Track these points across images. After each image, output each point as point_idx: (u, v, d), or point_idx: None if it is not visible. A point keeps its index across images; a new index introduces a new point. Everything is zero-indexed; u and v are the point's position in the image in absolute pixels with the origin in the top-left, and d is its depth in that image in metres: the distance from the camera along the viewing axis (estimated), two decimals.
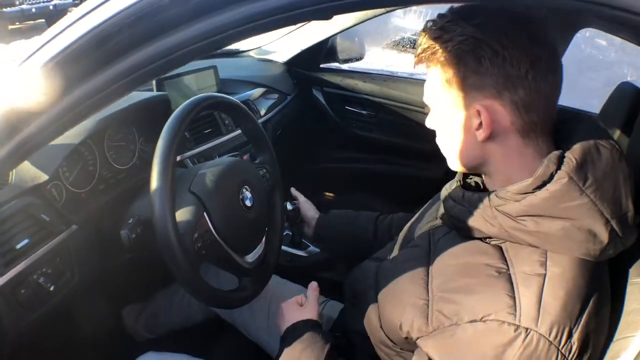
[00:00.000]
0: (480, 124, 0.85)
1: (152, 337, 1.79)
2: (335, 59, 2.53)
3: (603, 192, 0.79)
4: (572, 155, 0.81)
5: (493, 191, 0.87)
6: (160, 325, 1.75)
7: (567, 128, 0.90)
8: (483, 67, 0.82)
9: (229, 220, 1.22)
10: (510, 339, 0.77)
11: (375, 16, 2.21)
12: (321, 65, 2.59)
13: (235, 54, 2.59)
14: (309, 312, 1.26)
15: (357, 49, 2.55)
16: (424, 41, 0.88)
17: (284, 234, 1.86)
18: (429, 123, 0.98)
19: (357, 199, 2.56)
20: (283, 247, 1.82)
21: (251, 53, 2.60)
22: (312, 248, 1.86)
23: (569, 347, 0.77)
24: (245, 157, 1.87)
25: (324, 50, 2.52)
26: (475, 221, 0.88)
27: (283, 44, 2.55)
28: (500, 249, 0.86)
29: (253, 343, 1.53)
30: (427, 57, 0.89)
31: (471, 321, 0.81)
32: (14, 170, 1.21)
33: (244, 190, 1.28)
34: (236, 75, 2.31)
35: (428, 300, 0.89)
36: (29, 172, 1.21)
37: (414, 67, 0.93)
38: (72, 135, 1.27)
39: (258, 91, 2.26)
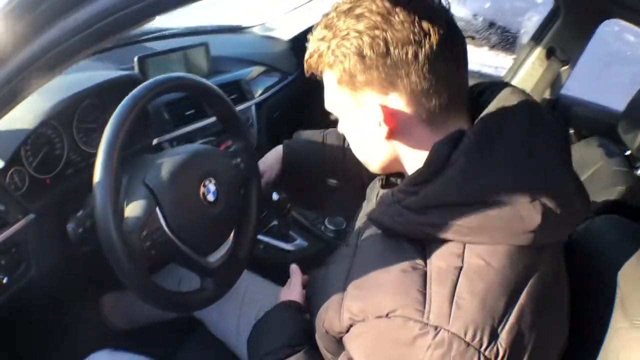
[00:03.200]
0: (381, 120, 0.79)
1: (128, 329, 1.71)
2: None
3: (521, 166, 0.72)
4: (471, 132, 0.74)
5: (398, 186, 0.81)
6: (136, 317, 1.67)
7: (482, 102, 0.82)
8: (367, 59, 0.76)
9: (185, 217, 1.12)
10: (415, 338, 0.69)
11: None
12: None
13: (237, 30, 2.48)
14: (292, 294, 1.20)
15: None
16: (310, 45, 0.83)
17: (271, 224, 1.77)
18: (339, 129, 0.92)
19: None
20: (268, 240, 1.73)
21: (254, 29, 2.48)
22: (299, 241, 1.74)
23: (495, 349, 0.67)
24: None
25: None
26: (386, 221, 0.81)
27: (289, 20, 2.42)
28: (422, 245, 0.78)
29: (223, 344, 1.44)
30: (315, 62, 0.83)
31: (377, 317, 0.74)
32: None
33: (207, 183, 1.17)
34: (233, 53, 2.20)
35: (342, 300, 0.82)
36: None
37: (306, 74, 0.88)
38: (32, 118, 1.18)
39: (256, 70, 2.14)
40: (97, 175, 0.99)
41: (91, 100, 1.37)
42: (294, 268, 1.29)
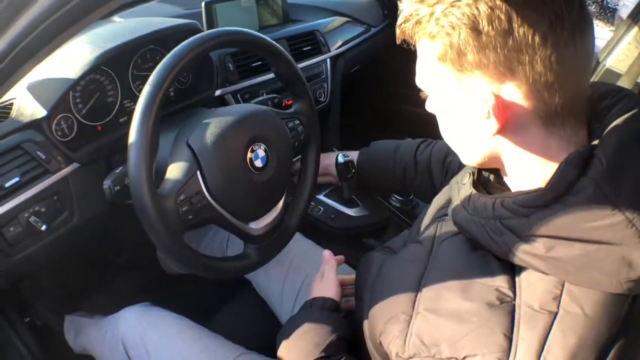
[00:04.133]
0: (490, 112, 0.64)
1: (180, 272, 1.70)
2: None
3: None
4: (603, 153, 0.61)
5: (499, 197, 0.68)
6: None
7: (603, 108, 0.68)
8: (484, 36, 0.60)
9: (228, 183, 1.05)
10: None
11: None
12: None
13: None
14: (328, 289, 1.10)
15: None
16: (406, 7, 0.66)
17: (333, 186, 1.68)
18: (428, 107, 0.77)
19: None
20: (329, 202, 1.64)
21: None
22: (362, 207, 1.64)
23: None
24: None
25: None
26: (478, 234, 0.71)
27: None
28: (513, 268, 0.68)
29: (266, 306, 1.41)
30: (410, 29, 0.67)
31: (450, 358, 0.65)
32: (15, 103, 1.13)
33: (256, 148, 1.09)
34: (314, 1, 2.08)
35: (410, 318, 0.73)
36: (30, 105, 1.11)
37: (398, 41, 0.71)
38: (80, 66, 1.14)
39: (337, 21, 2.01)
40: (132, 136, 0.94)
41: (150, 47, 1.31)
42: (327, 255, 1.18)
